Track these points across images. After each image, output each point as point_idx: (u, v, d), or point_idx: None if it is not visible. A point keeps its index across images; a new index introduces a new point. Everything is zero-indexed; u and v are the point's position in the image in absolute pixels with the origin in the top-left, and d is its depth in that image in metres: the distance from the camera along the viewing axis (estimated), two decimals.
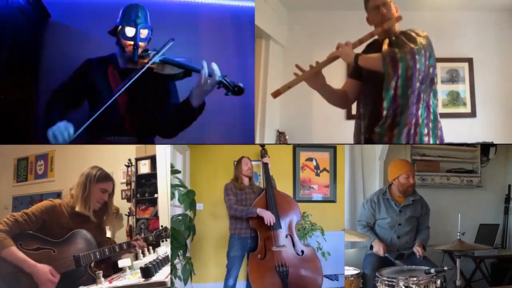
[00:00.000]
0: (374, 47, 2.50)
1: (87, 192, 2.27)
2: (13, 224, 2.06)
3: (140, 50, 2.45)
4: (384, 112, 2.30)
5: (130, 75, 2.32)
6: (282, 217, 2.88)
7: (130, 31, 2.43)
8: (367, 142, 2.49)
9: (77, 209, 2.24)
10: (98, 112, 2.22)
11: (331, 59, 2.51)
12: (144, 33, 2.46)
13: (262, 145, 3.20)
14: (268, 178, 3.01)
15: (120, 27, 2.45)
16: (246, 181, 3.01)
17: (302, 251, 2.84)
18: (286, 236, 2.85)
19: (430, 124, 2.38)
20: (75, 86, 2.46)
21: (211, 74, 2.28)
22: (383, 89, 2.29)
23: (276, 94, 2.50)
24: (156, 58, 2.42)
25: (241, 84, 2.32)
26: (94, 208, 2.30)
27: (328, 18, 4.15)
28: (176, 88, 2.55)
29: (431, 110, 2.39)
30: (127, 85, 2.29)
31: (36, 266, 2.02)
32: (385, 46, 2.37)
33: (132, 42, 2.43)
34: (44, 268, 2.03)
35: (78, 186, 2.29)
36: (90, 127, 2.22)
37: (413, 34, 2.40)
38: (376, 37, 2.50)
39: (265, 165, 3.07)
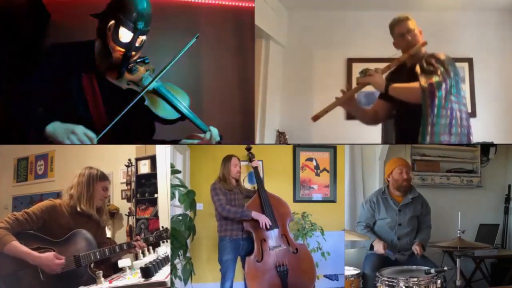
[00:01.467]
0: (399, 70, 2.66)
1: (92, 190, 2.31)
2: (14, 222, 2.07)
3: (130, 60, 2.02)
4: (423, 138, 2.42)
5: (116, 97, 1.94)
6: (278, 218, 2.85)
7: (125, 35, 1.97)
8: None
9: (80, 208, 2.25)
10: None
11: (362, 85, 2.70)
12: (141, 40, 2.03)
13: (248, 148, 3.15)
14: (259, 180, 2.98)
15: (112, 21, 1.95)
16: (233, 181, 2.94)
17: (297, 249, 2.83)
18: (281, 236, 2.84)
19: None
20: (42, 80, 2.04)
21: (210, 138, 2.10)
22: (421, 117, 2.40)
23: (315, 119, 2.61)
24: (150, 86, 1.99)
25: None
26: (97, 206, 2.35)
27: (328, 18, 4.15)
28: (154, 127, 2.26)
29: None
30: (111, 125, 1.90)
31: (40, 256, 2.04)
32: (420, 77, 2.44)
33: (123, 50, 1.97)
34: (48, 256, 2.05)
35: (79, 186, 2.30)
36: None
37: (438, 55, 2.53)
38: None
39: (255, 168, 3.05)
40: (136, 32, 1.98)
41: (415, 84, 2.44)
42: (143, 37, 2.05)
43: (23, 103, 2.06)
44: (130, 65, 2.05)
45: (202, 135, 2.12)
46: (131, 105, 1.95)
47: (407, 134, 2.59)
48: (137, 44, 2.03)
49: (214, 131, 2.15)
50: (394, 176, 2.98)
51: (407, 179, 2.96)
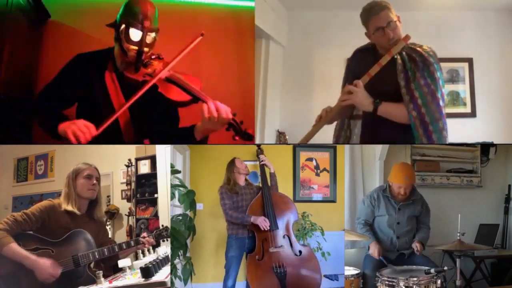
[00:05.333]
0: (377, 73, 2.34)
1: (69, 188, 2.30)
2: (13, 223, 2.06)
3: (144, 56, 2.20)
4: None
5: (134, 90, 2.10)
6: (279, 218, 2.85)
7: (135, 35, 2.16)
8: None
9: (63, 207, 2.25)
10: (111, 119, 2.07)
11: (344, 106, 2.38)
12: (151, 37, 2.21)
13: (258, 145, 3.15)
14: (265, 179, 2.96)
15: (123, 25, 2.17)
16: (242, 180, 2.94)
17: (300, 251, 2.82)
18: (284, 237, 2.83)
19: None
20: (63, 84, 2.25)
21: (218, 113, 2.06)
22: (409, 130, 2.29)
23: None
24: (163, 74, 2.17)
25: (249, 131, 2.15)
26: (89, 198, 2.32)
27: (328, 18, 4.15)
28: (178, 114, 2.35)
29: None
30: (131, 102, 2.10)
31: (37, 261, 2.02)
32: (404, 95, 2.28)
33: (136, 47, 2.17)
34: (45, 263, 2.03)
35: (65, 187, 2.32)
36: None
37: (421, 51, 2.33)
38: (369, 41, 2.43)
39: (262, 166, 3.02)
40: (144, 30, 2.17)
41: (402, 107, 2.27)
42: (153, 34, 2.22)
43: (44, 104, 2.26)
44: (145, 61, 2.22)
45: (205, 110, 2.07)
46: (144, 90, 2.12)
47: (376, 135, 2.44)
48: (147, 41, 2.20)
49: (221, 105, 2.10)
50: (394, 187, 2.95)
51: (403, 194, 2.92)
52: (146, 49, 2.21)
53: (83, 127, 2.02)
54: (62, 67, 2.32)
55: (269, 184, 2.96)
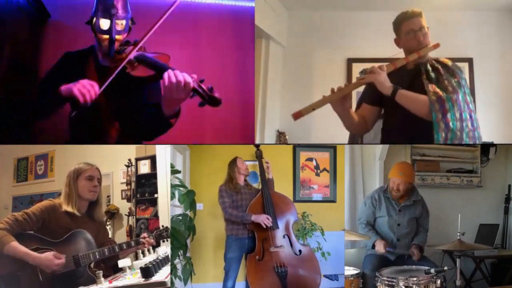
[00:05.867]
0: (399, 71, 2.37)
1: (69, 188, 2.29)
2: (13, 223, 2.07)
3: (117, 44, 2.22)
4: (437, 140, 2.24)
5: (107, 75, 2.09)
6: (279, 218, 2.86)
7: (104, 24, 2.20)
8: None
9: (63, 208, 2.24)
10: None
11: (361, 83, 2.36)
12: (120, 24, 2.23)
13: (257, 145, 3.14)
14: (264, 179, 2.98)
15: (94, 18, 2.22)
16: (242, 180, 2.97)
17: (300, 251, 2.83)
18: (284, 237, 2.84)
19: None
20: (54, 82, 2.16)
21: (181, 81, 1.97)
22: (432, 131, 2.22)
23: (297, 116, 2.33)
24: (132, 55, 2.16)
25: (217, 95, 2.02)
26: (89, 199, 2.31)
27: (328, 18, 4.15)
28: (146, 92, 2.28)
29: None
30: (102, 88, 2.05)
31: (40, 256, 2.04)
32: (428, 89, 2.24)
33: (107, 36, 2.20)
34: (48, 256, 2.05)
35: (64, 188, 2.31)
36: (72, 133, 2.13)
37: (445, 61, 2.37)
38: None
39: (262, 167, 3.04)
40: (112, 18, 2.20)
41: (424, 98, 2.23)
42: (123, 21, 2.24)
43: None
44: (118, 48, 2.22)
45: (166, 79, 1.99)
46: (114, 73, 2.10)
47: (399, 136, 2.43)
48: (118, 28, 2.23)
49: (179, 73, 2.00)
50: (390, 183, 2.99)
51: (397, 190, 2.93)
52: (118, 37, 2.22)
53: (88, 85, 2.02)
54: (51, 67, 2.33)
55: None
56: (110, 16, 2.20)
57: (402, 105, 2.25)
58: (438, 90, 2.24)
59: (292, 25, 4.19)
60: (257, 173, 3.31)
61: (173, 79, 1.98)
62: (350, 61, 4.12)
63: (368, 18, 4.02)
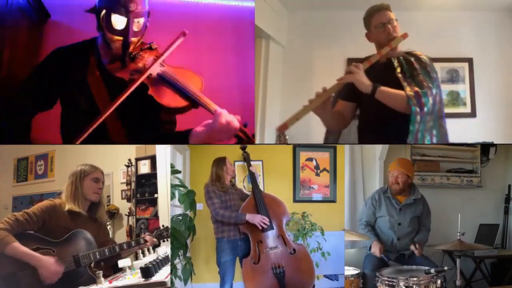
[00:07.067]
0: (373, 65, 2.40)
1: (75, 188, 2.27)
2: (14, 223, 2.07)
3: (131, 46, 1.84)
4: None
5: (122, 89, 1.75)
6: (273, 218, 2.79)
7: (118, 22, 1.78)
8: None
9: (67, 208, 2.23)
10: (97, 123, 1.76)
11: (341, 84, 2.38)
12: (137, 23, 1.82)
13: (243, 147, 3.03)
14: (255, 181, 2.91)
15: (103, 11, 1.79)
16: (228, 181, 2.88)
17: (294, 250, 2.80)
18: (278, 237, 2.80)
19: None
20: (41, 80, 1.91)
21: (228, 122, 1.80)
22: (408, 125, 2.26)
23: (282, 128, 2.36)
24: (153, 69, 1.79)
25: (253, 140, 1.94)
26: (92, 200, 2.31)
27: (328, 18, 4.15)
28: (174, 120, 2.03)
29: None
30: (115, 106, 1.77)
31: (41, 259, 2.03)
32: (404, 84, 2.29)
33: (120, 38, 1.80)
34: (49, 260, 2.04)
35: (67, 187, 2.30)
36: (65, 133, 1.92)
37: (417, 54, 2.40)
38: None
39: (252, 173, 2.95)
40: (129, 15, 1.78)
41: (402, 93, 2.26)
42: (141, 20, 1.84)
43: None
44: (133, 53, 1.88)
45: (217, 125, 1.84)
46: (130, 91, 1.77)
47: (375, 135, 2.47)
48: (135, 29, 1.85)
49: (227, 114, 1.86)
50: (389, 180, 3.01)
51: (396, 183, 2.95)
52: (133, 39, 1.85)
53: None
54: (39, 62, 2.02)
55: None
56: (127, 13, 1.77)
57: (382, 102, 2.29)
58: (413, 85, 2.28)
59: (292, 25, 4.19)
60: (258, 173, 3.31)
61: (223, 122, 1.85)
62: (350, 61, 4.12)
63: None
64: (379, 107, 2.31)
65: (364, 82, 2.29)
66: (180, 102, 1.88)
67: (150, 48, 1.92)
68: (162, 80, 1.87)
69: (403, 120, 2.27)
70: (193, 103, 1.90)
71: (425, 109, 2.25)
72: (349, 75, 2.33)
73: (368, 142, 2.60)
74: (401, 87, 2.30)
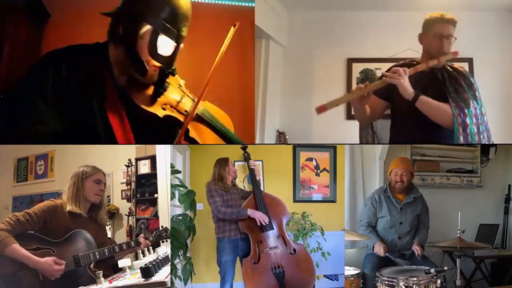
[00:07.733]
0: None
1: (77, 189, 2.28)
2: (15, 223, 2.07)
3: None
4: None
5: (149, 124, 1.48)
6: (273, 218, 2.80)
7: (166, 46, 1.45)
8: None
9: (68, 209, 2.24)
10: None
11: (385, 82, 2.39)
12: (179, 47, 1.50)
13: (244, 148, 3.05)
14: (255, 181, 2.93)
15: (147, 27, 1.44)
16: (230, 181, 2.90)
17: (294, 250, 2.80)
18: (278, 237, 2.81)
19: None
20: (28, 91, 1.58)
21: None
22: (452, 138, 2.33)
23: (321, 110, 2.36)
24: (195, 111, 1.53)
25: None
26: (94, 202, 2.31)
27: (328, 18, 4.15)
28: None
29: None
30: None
31: (40, 261, 2.03)
32: (450, 105, 2.33)
33: (160, 66, 1.50)
34: (48, 261, 2.04)
35: (69, 188, 2.30)
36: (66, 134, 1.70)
37: (459, 69, 2.48)
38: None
39: (252, 170, 2.98)
40: (180, 41, 1.51)
41: (446, 107, 2.32)
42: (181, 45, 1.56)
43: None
44: (166, 84, 1.61)
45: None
46: (181, 137, 1.59)
47: (407, 135, 2.52)
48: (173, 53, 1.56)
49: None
50: (391, 177, 3.01)
51: (400, 182, 2.96)
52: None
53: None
54: (28, 68, 1.70)
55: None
56: (178, 38, 1.46)
57: (421, 110, 2.32)
58: (458, 101, 2.32)
59: (292, 25, 4.19)
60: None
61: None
62: (350, 61, 4.12)
63: (368, 18, 4.02)
64: (413, 113, 2.35)
65: (407, 88, 2.31)
66: (219, 142, 1.76)
67: (172, 75, 1.63)
68: (200, 119, 1.66)
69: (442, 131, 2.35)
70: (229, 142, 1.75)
71: (468, 129, 2.30)
72: (396, 76, 2.33)
73: (399, 142, 2.67)
74: (443, 100, 2.34)
